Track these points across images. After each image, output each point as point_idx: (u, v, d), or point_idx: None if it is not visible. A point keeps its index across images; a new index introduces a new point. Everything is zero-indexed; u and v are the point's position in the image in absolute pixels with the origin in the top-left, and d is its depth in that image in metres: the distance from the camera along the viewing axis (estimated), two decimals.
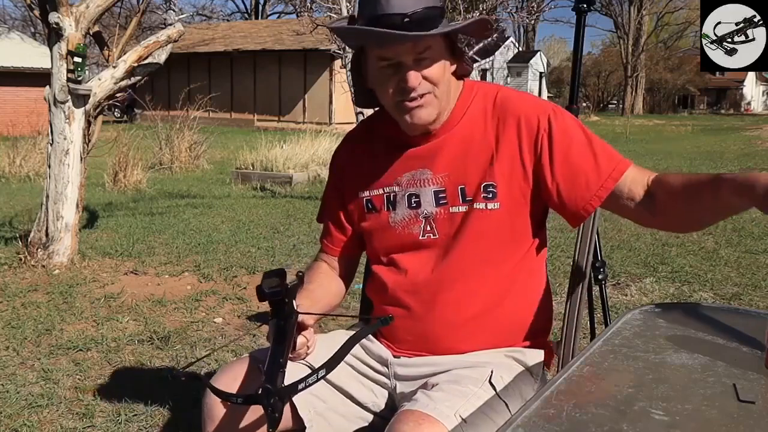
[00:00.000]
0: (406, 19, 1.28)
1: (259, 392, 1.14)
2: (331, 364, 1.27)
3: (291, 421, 1.39)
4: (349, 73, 8.06)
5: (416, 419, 1.20)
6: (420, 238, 1.43)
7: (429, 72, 1.34)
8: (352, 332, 1.52)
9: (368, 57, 1.39)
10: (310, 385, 1.23)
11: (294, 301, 1.32)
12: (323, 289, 1.52)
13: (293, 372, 1.27)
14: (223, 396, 1.26)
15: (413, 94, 1.34)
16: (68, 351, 3.18)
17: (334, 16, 8.59)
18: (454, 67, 1.41)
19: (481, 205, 1.39)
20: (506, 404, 1.32)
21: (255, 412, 1.35)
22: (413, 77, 1.32)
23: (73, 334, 3.40)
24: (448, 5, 7.68)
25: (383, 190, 1.48)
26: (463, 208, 1.40)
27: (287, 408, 1.38)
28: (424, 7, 1.29)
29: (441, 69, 1.35)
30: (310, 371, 1.24)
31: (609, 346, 1.15)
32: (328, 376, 1.42)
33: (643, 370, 1.06)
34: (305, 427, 1.38)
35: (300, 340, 1.34)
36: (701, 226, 1.37)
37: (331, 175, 1.62)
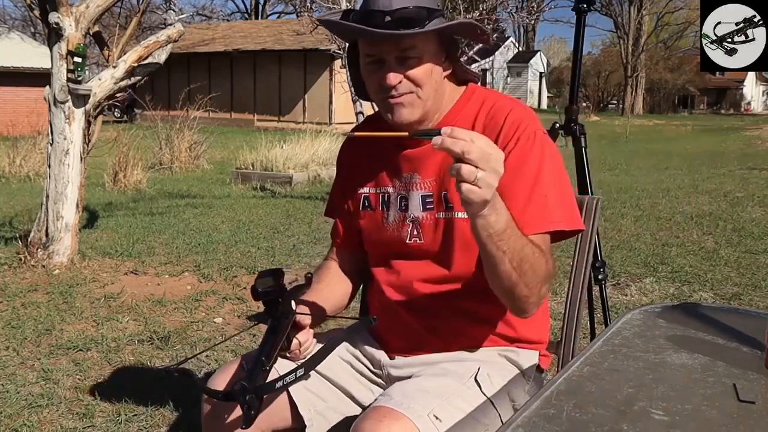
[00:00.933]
0: (388, 18, 1.27)
1: (236, 389, 1.15)
2: (311, 364, 1.28)
3: (291, 419, 1.40)
4: (349, 72, 8.06)
5: (378, 416, 1.19)
6: (407, 241, 1.43)
7: (412, 72, 1.32)
8: (350, 333, 1.53)
9: (360, 51, 1.39)
10: (288, 384, 1.24)
11: (293, 302, 1.32)
12: (331, 288, 1.52)
13: (284, 371, 1.28)
14: (208, 393, 1.27)
15: (393, 92, 1.33)
16: (68, 351, 3.18)
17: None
18: (449, 71, 1.39)
19: (464, 214, 1.35)
20: (492, 403, 1.31)
21: None
22: (392, 76, 1.31)
23: (73, 334, 3.40)
24: (448, 5, 7.68)
25: (379, 190, 1.48)
26: (447, 215, 1.39)
27: (287, 407, 1.39)
28: (412, 6, 1.27)
29: (427, 70, 1.33)
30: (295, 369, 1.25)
31: (609, 346, 1.15)
32: (329, 376, 1.44)
33: (643, 370, 1.06)
34: (305, 426, 1.38)
35: (294, 340, 1.34)
36: (499, 274, 1.23)
37: (337, 171, 1.62)
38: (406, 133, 1.18)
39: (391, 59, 1.31)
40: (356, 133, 1.28)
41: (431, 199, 1.41)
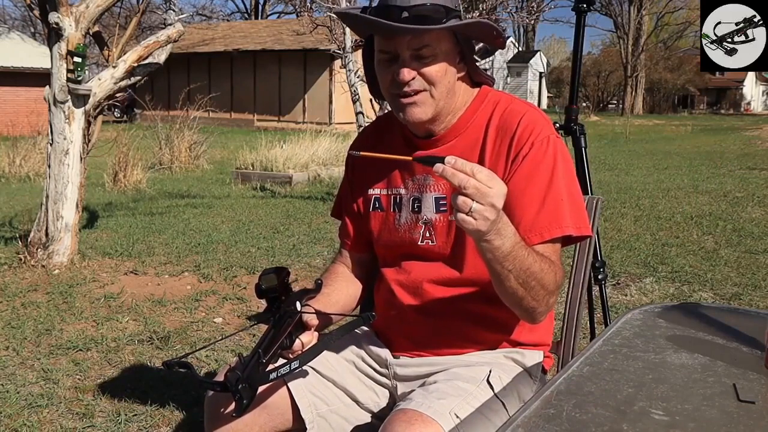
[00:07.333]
0: (405, 14, 1.27)
1: (229, 378, 1.16)
2: (306, 357, 1.29)
3: (292, 421, 1.40)
4: (348, 72, 8.06)
5: (408, 419, 1.21)
6: (419, 243, 1.43)
7: (427, 70, 1.32)
8: (353, 332, 1.53)
9: (375, 46, 1.38)
10: (282, 375, 1.25)
11: (298, 303, 1.33)
12: (339, 293, 1.52)
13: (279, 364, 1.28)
14: (205, 384, 1.28)
15: (406, 89, 1.33)
16: (68, 351, 3.18)
17: (334, 15, 8.60)
18: (463, 72, 1.39)
19: None
20: (503, 404, 1.32)
21: (257, 413, 1.36)
22: (406, 71, 1.31)
23: (73, 334, 3.40)
24: None
25: (390, 191, 1.48)
26: None
27: (290, 408, 1.39)
28: (429, 3, 1.28)
29: (441, 69, 1.33)
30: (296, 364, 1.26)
31: (609, 346, 1.16)
32: (332, 377, 1.44)
33: (643, 370, 1.06)
34: (306, 428, 1.39)
35: (297, 341, 1.34)
36: (505, 289, 1.25)
37: (346, 169, 1.61)
38: (410, 158, 1.19)
39: (406, 56, 1.31)
40: (361, 153, 1.28)
41: (445, 201, 1.40)
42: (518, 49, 46.15)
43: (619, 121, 27.66)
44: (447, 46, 1.34)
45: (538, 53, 46.23)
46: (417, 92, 1.33)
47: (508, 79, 42.07)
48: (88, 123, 4.68)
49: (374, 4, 1.35)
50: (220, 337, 3.36)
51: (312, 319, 1.37)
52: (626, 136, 19.89)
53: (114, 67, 4.71)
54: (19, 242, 4.72)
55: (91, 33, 4.79)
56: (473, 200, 1.07)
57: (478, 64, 1.44)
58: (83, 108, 4.59)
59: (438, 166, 1.08)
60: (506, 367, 1.42)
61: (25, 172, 10.03)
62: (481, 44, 1.44)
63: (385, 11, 1.28)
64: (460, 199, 1.08)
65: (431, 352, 1.44)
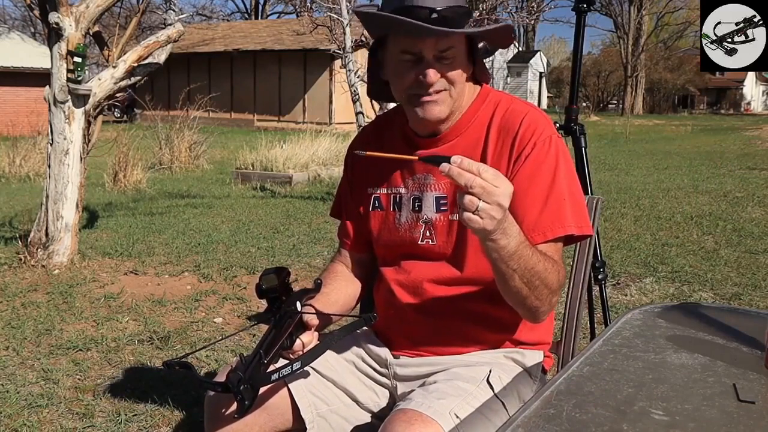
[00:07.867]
0: (434, 15, 1.27)
1: (231, 379, 1.16)
2: (308, 358, 1.29)
3: (292, 421, 1.40)
4: (348, 72, 8.06)
5: (408, 419, 1.21)
6: (419, 242, 1.43)
7: (448, 71, 1.33)
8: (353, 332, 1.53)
9: (388, 47, 1.37)
10: (284, 376, 1.25)
11: (298, 303, 1.33)
12: (338, 292, 1.52)
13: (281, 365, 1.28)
14: (206, 384, 1.28)
15: (430, 90, 1.33)
16: (68, 351, 3.18)
17: (335, 16, 8.60)
18: (471, 71, 1.40)
19: None
20: (503, 404, 1.32)
21: (257, 413, 1.36)
22: (432, 73, 1.32)
23: (73, 334, 3.40)
24: None
25: (390, 190, 1.48)
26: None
27: (290, 408, 1.39)
28: (453, 5, 1.29)
29: (460, 70, 1.35)
30: (298, 365, 1.26)
31: (609, 346, 1.16)
32: (332, 377, 1.44)
33: (643, 370, 1.06)
34: (306, 428, 1.39)
35: (297, 341, 1.34)
36: (509, 288, 1.26)
37: (345, 169, 1.61)
38: (416, 157, 1.19)
39: (430, 57, 1.32)
40: (366, 153, 1.28)
41: (445, 201, 1.41)
42: (518, 49, 46.10)
43: (619, 121, 27.65)
44: (463, 47, 1.35)
45: (538, 53, 46.21)
46: (438, 92, 1.34)
47: (508, 79, 42.05)
48: (88, 123, 4.68)
49: (377, 2, 1.35)
50: (220, 337, 3.36)
51: (312, 319, 1.37)
52: (626, 136, 19.89)
53: (114, 67, 4.71)
54: (19, 242, 4.72)
55: (91, 33, 4.79)
56: (480, 199, 1.07)
57: None
58: (83, 108, 4.59)
59: (444, 166, 1.08)
60: (506, 367, 1.42)
61: (25, 172, 10.03)
62: (482, 43, 1.44)
63: (412, 11, 1.28)
64: (467, 198, 1.08)
65: (431, 352, 1.44)
